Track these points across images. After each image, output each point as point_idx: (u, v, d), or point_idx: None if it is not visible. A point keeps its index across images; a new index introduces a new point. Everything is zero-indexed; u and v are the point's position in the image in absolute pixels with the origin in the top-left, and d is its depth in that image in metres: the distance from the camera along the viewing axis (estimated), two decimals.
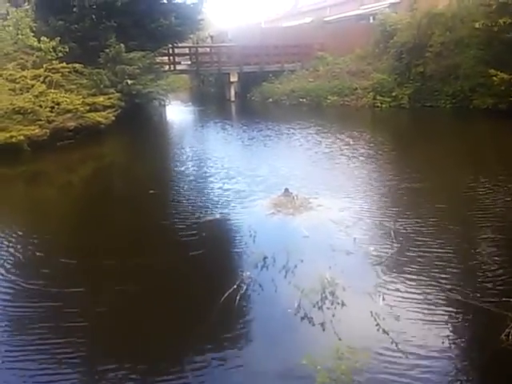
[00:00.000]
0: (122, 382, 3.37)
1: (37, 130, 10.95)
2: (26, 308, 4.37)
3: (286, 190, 7.14)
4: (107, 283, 4.78)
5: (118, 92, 14.88)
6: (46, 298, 4.51)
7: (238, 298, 4.29)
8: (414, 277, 4.65)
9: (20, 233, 6.26)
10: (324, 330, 3.81)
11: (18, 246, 5.79)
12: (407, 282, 4.56)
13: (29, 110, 11.32)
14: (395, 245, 5.33)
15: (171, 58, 21.64)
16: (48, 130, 11.30)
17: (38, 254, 5.62)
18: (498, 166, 9.26)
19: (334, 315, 4.00)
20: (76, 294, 4.57)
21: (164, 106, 20.56)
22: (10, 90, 11.90)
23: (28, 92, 12.00)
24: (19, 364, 3.57)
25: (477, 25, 15.11)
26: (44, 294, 4.57)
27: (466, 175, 8.26)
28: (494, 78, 13.91)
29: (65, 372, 3.47)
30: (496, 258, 5.05)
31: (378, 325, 3.83)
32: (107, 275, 4.95)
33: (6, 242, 5.90)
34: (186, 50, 23.25)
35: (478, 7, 15.82)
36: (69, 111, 12.21)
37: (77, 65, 14.23)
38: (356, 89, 19.32)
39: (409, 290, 4.41)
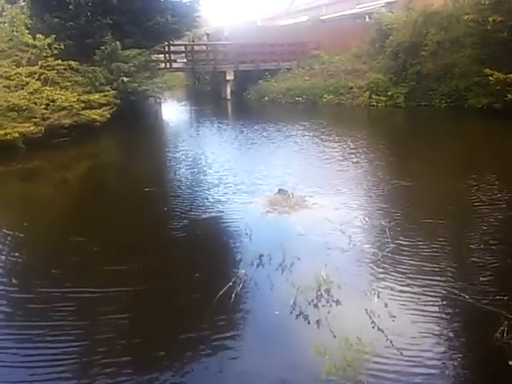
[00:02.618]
0: (111, 379, 3.37)
1: (32, 128, 10.89)
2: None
3: (282, 188, 7.15)
4: (101, 282, 4.76)
5: (113, 89, 14.84)
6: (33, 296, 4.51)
7: (233, 295, 4.29)
8: (408, 274, 4.67)
9: (16, 231, 6.24)
10: (319, 327, 3.82)
11: (10, 243, 5.79)
12: (402, 279, 4.58)
13: (24, 107, 11.26)
14: (390, 243, 5.35)
15: (167, 55, 21.58)
16: (43, 128, 11.23)
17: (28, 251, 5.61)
18: (493, 165, 9.31)
19: (329, 312, 4.01)
20: (69, 291, 4.57)
21: (159, 103, 20.54)
22: (4, 86, 11.83)
23: (23, 89, 11.94)
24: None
25: (466, 17, 15.17)
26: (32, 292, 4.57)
27: (462, 174, 8.30)
28: (490, 77, 13.91)
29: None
30: (490, 257, 5.07)
31: (372, 322, 3.85)
32: (100, 274, 4.93)
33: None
34: (182, 48, 23.22)
35: (472, 6, 15.85)
36: (64, 108, 12.15)
37: (72, 62, 14.18)
38: (352, 88, 19.34)
39: (403, 287, 4.42)
